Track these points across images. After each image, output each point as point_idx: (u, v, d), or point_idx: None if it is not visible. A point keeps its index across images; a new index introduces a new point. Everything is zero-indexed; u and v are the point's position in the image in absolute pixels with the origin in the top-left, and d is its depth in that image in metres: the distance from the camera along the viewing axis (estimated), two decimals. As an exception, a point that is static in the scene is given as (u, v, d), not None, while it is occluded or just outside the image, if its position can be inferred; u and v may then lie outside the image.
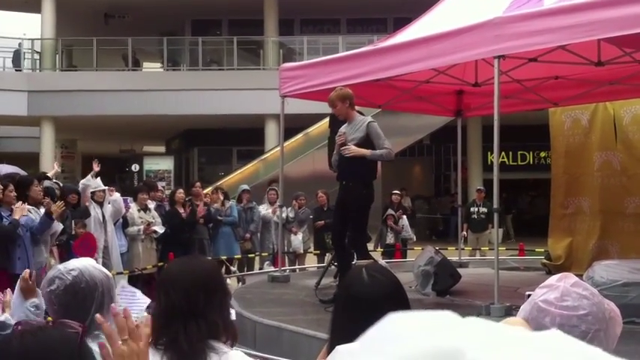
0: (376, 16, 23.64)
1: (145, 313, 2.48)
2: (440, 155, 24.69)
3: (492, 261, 7.25)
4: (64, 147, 24.13)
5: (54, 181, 9.76)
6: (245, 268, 11.56)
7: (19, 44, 21.81)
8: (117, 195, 9.45)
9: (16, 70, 21.85)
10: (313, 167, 16.72)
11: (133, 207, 9.91)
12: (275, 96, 8.89)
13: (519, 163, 24.20)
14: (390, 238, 12.31)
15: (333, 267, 8.22)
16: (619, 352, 1.02)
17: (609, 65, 7.88)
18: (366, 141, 6.78)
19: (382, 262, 8.71)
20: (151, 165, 25.41)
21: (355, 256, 7.08)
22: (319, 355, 2.13)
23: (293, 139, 18.41)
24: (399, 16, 20.77)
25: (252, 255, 11.65)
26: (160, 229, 9.89)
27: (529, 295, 1.69)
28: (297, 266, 11.36)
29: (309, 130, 18.93)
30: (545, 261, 9.59)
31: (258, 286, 8.74)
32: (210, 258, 8.83)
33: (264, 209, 11.79)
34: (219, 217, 10.99)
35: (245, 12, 22.72)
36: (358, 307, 1.89)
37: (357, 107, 7.11)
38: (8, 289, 3.09)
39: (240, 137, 22.53)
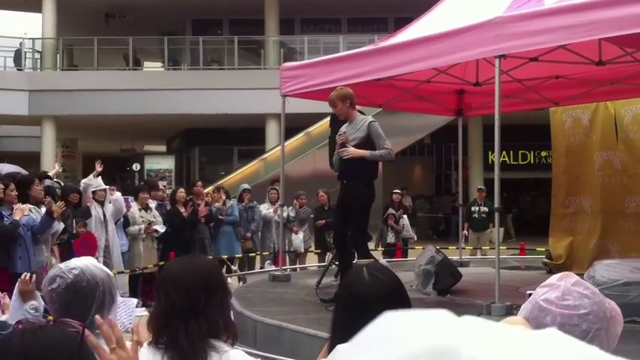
0: (377, 15, 23.64)
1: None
2: (441, 154, 24.71)
3: (493, 260, 7.23)
4: (65, 146, 24.13)
5: (55, 180, 9.78)
6: (246, 267, 11.55)
7: (20, 44, 21.78)
8: (118, 194, 9.46)
9: (17, 70, 21.84)
10: (314, 167, 16.73)
11: (134, 206, 9.92)
12: (276, 95, 8.88)
13: (520, 162, 24.20)
14: (390, 238, 12.32)
15: (333, 266, 8.22)
16: (620, 352, 1.02)
17: (610, 65, 7.87)
18: (367, 141, 6.78)
19: (383, 261, 8.72)
20: (152, 164, 25.36)
21: (356, 256, 7.08)
22: (320, 354, 2.13)
23: (294, 139, 18.39)
24: (399, 15, 20.76)
25: (253, 254, 11.65)
26: (161, 229, 9.90)
27: (530, 295, 1.69)
28: (297, 265, 11.36)
29: (310, 129, 18.91)
30: (545, 260, 9.59)
31: (259, 285, 8.74)
32: (211, 257, 8.83)
33: (265, 208, 11.79)
34: (220, 217, 11.00)
35: (246, 11, 22.72)
36: (359, 306, 1.89)
37: (357, 107, 7.10)
38: (6, 292, 3.09)
39: (241, 137, 22.52)
